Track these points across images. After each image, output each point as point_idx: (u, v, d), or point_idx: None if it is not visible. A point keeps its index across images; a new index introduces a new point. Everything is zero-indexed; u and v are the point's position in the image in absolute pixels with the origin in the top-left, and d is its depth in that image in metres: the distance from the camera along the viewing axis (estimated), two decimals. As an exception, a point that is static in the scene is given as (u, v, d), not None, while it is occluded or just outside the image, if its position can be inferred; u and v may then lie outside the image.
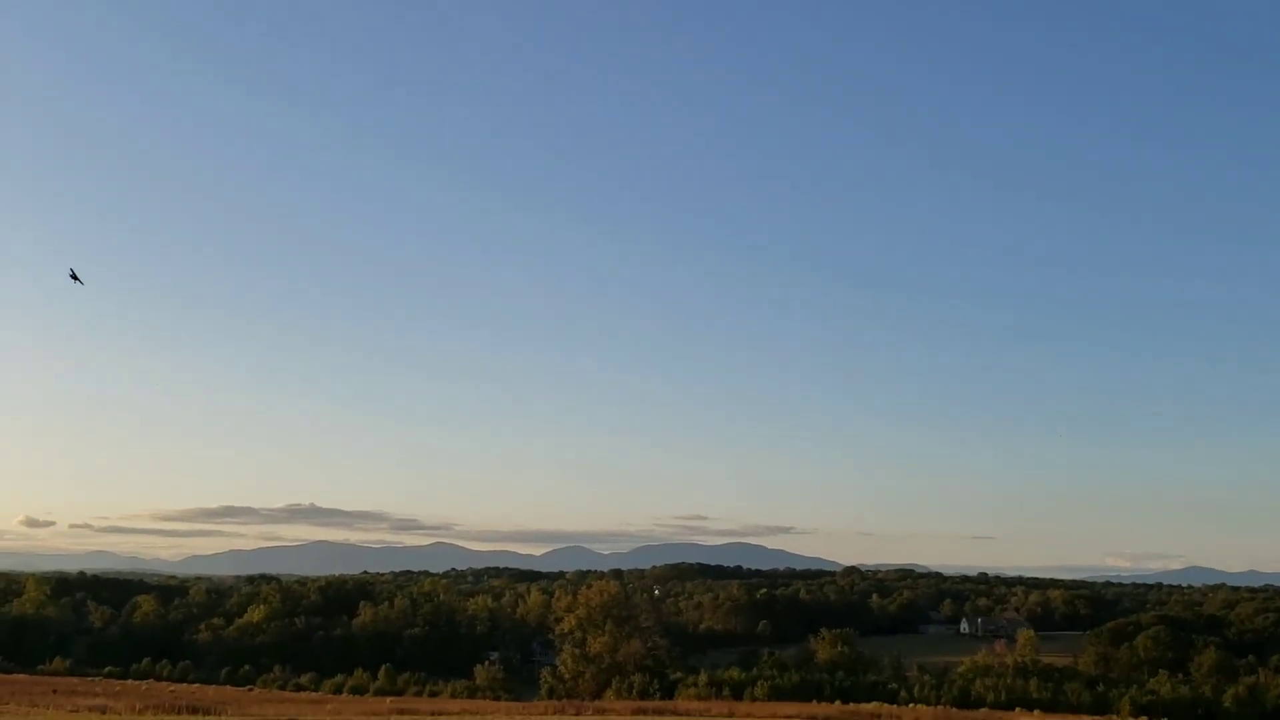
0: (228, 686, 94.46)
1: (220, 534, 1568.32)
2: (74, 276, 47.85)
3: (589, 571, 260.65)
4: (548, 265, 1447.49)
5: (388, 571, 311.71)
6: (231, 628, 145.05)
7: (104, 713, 33.77)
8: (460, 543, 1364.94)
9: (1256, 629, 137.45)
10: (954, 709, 64.44)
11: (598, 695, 77.25)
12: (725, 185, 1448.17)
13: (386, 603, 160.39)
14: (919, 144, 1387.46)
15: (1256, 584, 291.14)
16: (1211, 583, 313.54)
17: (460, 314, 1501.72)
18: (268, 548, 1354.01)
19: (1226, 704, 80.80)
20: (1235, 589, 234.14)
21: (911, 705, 66.12)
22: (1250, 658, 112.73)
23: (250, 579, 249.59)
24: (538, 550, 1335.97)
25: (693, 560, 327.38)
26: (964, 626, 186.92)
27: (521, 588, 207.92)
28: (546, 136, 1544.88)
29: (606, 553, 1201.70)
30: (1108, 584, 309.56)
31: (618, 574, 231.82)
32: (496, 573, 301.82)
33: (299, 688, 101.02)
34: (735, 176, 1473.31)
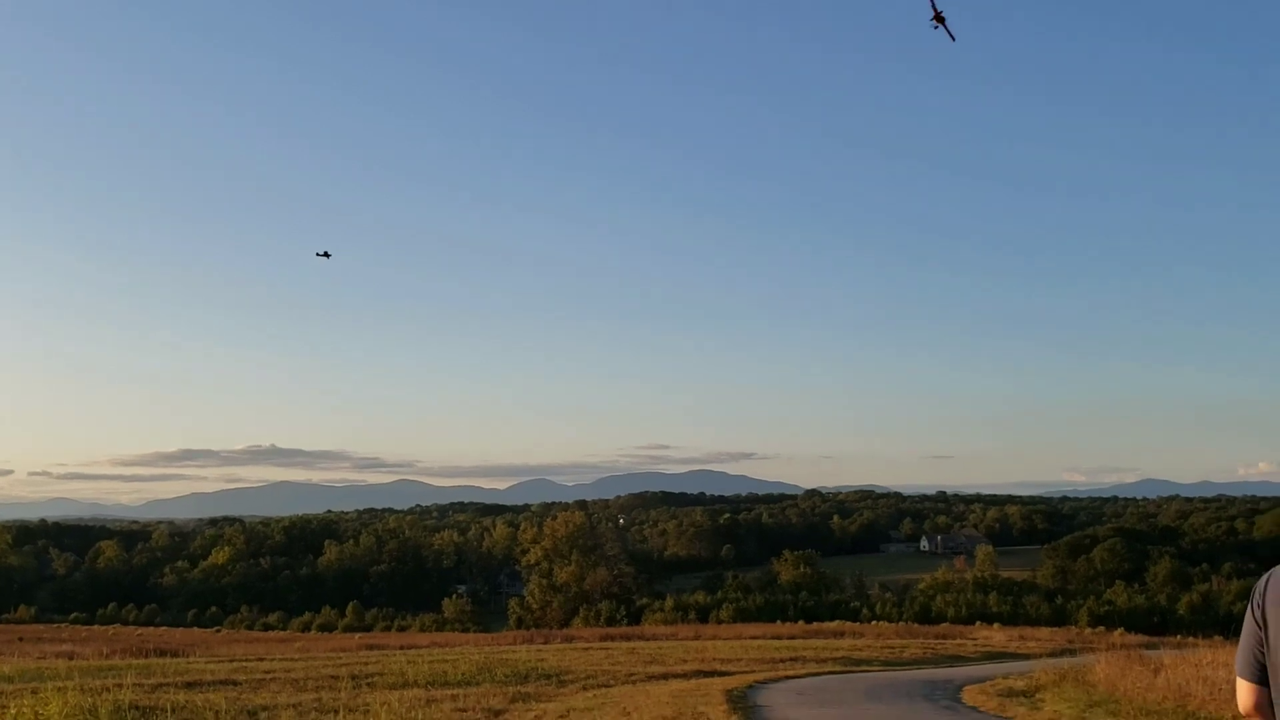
0: (195, 628, 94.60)
1: (181, 477, 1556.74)
2: (324, 254, 48.27)
3: (554, 503, 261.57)
4: (500, 201, 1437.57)
5: (352, 510, 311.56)
6: (196, 570, 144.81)
7: (71, 659, 33.83)
8: (424, 479, 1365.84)
9: (1209, 538, 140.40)
10: (915, 624, 65.76)
11: (565, 624, 78.18)
12: (672, 107, 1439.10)
13: (351, 540, 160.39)
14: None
15: (1209, 494, 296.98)
16: (1166, 495, 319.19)
17: (415, 254, 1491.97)
18: (229, 490, 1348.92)
19: (1181, 611, 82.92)
20: (1189, 500, 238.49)
21: (874, 622, 67.37)
22: (1203, 566, 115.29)
23: (213, 521, 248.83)
24: (502, 484, 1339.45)
25: (656, 489, 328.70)
26: (924, 544, 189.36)
27: (487, 521, 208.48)
28: (466, 62, 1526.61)
29: (571, 484, 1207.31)
30: (1064, 499, 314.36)
31: (582, 504, 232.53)
32: (461, 508, 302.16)
33: (267, 627, 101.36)
34: (672, 93, 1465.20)
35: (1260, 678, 3.27)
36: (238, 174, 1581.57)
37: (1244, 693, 3.35)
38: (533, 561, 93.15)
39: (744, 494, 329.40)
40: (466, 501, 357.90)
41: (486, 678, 23.11)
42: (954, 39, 23.27)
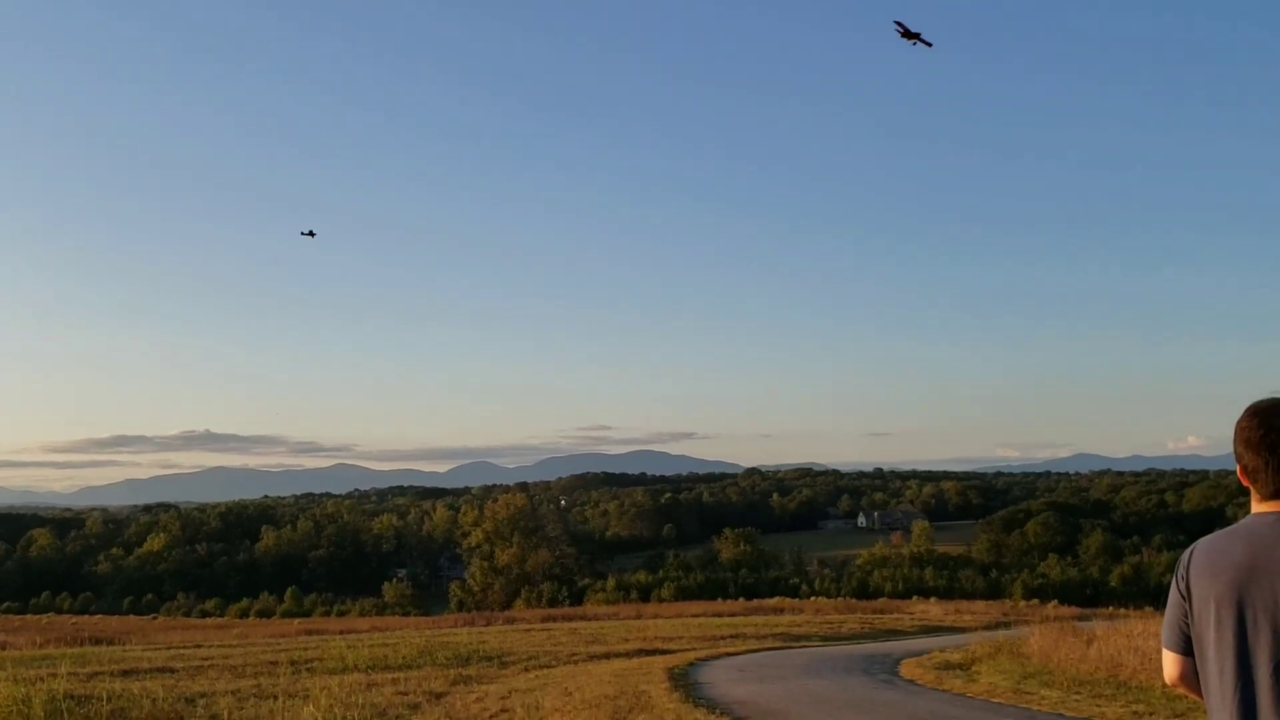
0: (131, 616, 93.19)
1: (114, 464, 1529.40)
2: (309, 233, 47.26)
3: (495, 485, 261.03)
4: (436, 184, 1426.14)
5: (289, 495, 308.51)
6: (131, 557, 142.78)
7: (3, 649, 33.23)
8: (362, 463, 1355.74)
9: (1140, 511, 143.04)
10: (854, 600, 66.49)
11: (507, 605, 78.14)
12: (596, 79, 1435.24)
13: (289, 526, 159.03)
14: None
15: (1140, 468, 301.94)
16: (1098, 469, 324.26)
17: (350, 237, 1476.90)
18: (164, 475, 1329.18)
19: (1113, 583, 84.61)
20: (1120, 474, 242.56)
21: (813, 598, 68.04)
22: (1134, 538, 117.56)
23: (147, 508, 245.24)
24: (442, 467, 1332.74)
25: (598, 469, 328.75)
26: (861, 520, 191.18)
27: (427, 505, 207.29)
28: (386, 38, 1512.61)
29: (512, 466, 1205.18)
30: (999, 474, 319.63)
31: (524, 486, 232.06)
32: (401, 491, 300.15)
33: (204, 614, 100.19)
34: (598, 68, 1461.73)
35: (1185, 649, 3.36)
36: (166, 156, 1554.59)
37: (1170, 664, 3.44)
38: (474, 544, 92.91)
39: (685, 473, 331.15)
40: (406, 485, 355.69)
41: (428, 661, 23.06)
42: (930, 45, 23.26)
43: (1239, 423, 3.28)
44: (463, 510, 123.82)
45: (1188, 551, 3.42)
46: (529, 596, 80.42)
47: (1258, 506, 3.29)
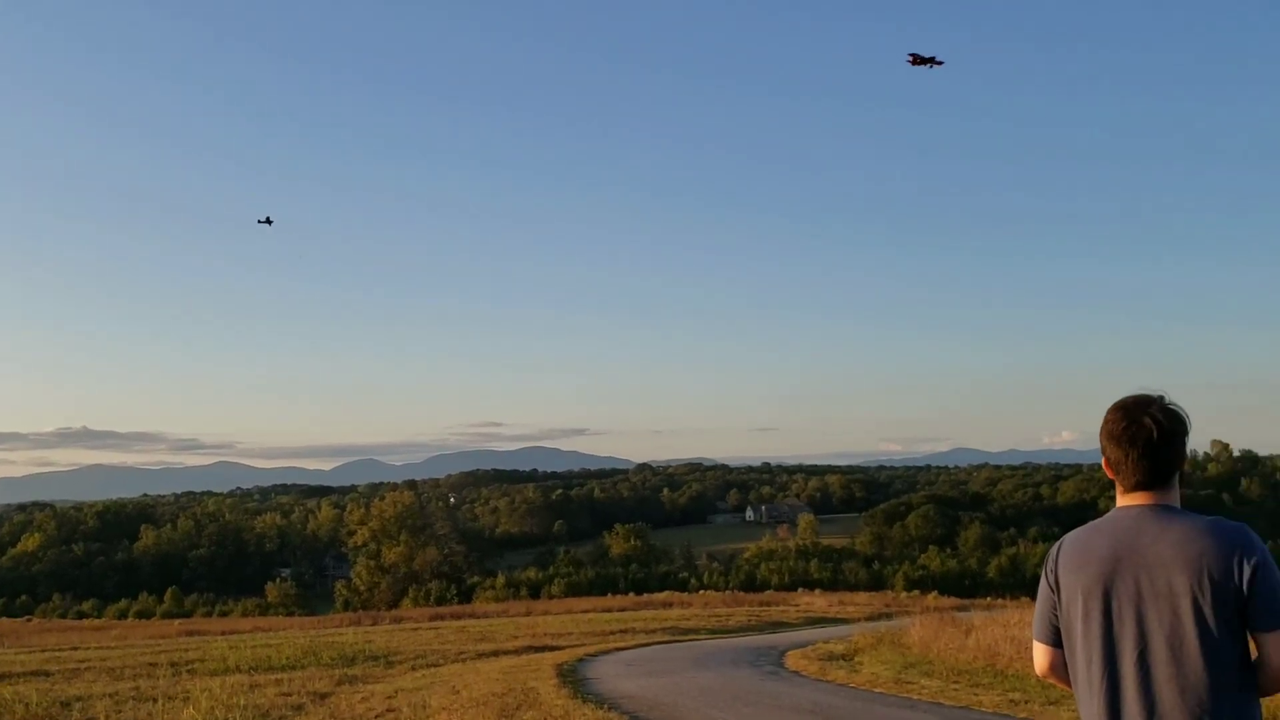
0: (4, 618, 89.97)
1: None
2: (266, 220, 45.18)
3: (382, 483, 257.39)
4: (316, 179, 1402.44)
5: (169, 493, 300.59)
6: (4, 558, 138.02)
7: None
8: (245, 460, 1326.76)
9: (1016, 504, 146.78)
10: (741, 593, 67.09)
11: (394, 605, 77.21)
12: (501, 86, 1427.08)
13: (169, 525, 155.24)
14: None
15: (1017, 462, 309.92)
16: (976, 463, 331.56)
17: (228, 230, 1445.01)
18: (39, 474, 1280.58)
19: (990, 574, 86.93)
20: (998, 468, 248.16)
21: (702, 592, 68.54)
22: (1011, 530, 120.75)
23: (21, 507, 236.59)
24: (327, 465, 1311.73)
25: (489, 466, 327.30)
26: (749, 514, 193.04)
27: (311, 503, 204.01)
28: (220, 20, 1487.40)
29: (399, 464, 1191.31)
30: (881, 468, 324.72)
31: (412, 484, 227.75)
32: (284, 489, 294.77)
33: (81, 615, 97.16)
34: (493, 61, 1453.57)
35: (1055, 640, 3.42)
36: (32, 149, 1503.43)
37: (1040, 655, 3.51)
38: (360, 543, 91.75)
39: (577, 470, 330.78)
40: (290, 483, 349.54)
41: (312, 661, 22.73)
42: (942, 64, 23.27)
43: (1105, 417, 3.37)
44: (348, 509, 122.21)
45: (1056, 545, 3.49)
46: (416, 595, 79.61)
47: (1122, 499, 3.37)
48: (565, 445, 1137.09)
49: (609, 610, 45.45)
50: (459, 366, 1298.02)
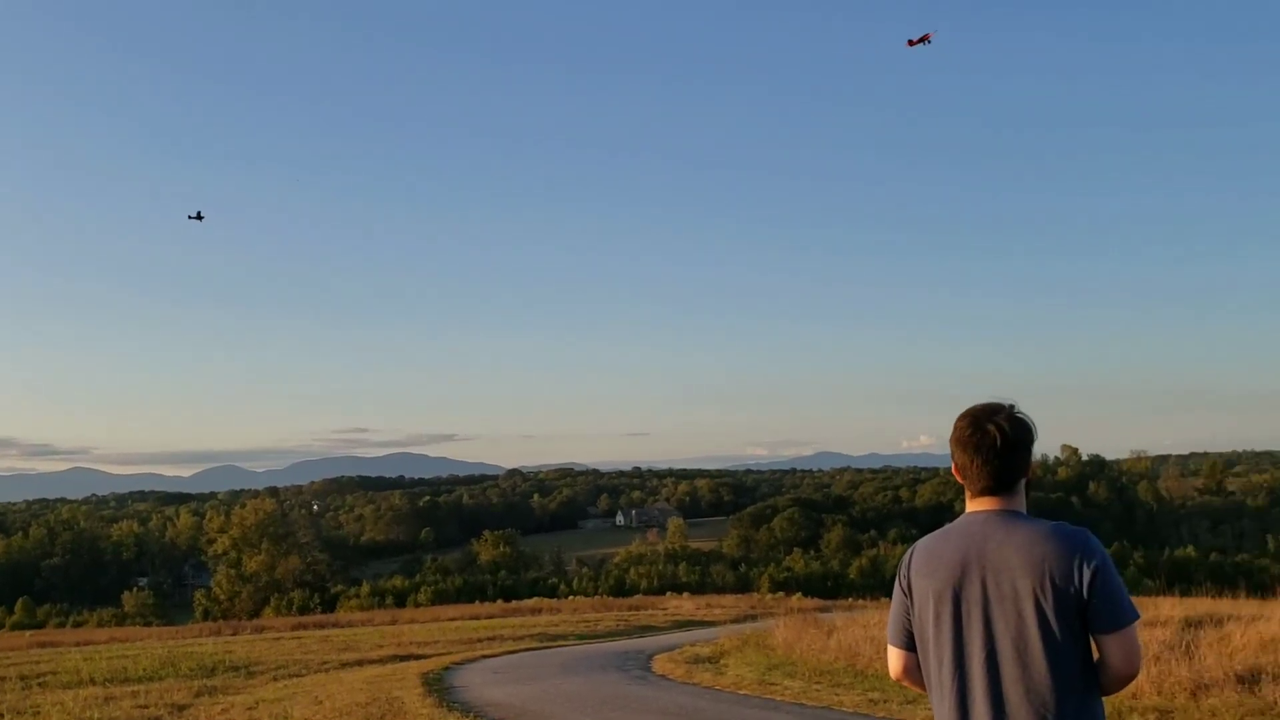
0: None
1: None
2: (197, 216, 42.35)
3: (243, 491, 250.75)
4: (188, 185, 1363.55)
5: (20, 500, 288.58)
6: None
7: None
8: (100, 467, 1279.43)
9: (877, 506, 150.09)
10: (611, 598, 67.26)
11: (256, 614, 75.41)
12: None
13: (20, 533, 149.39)
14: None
15: (877, 465, 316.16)
16: (839, 466, 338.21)
17: (82, 235, 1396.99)
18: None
19: (852, 575, 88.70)
20: (859, 471, 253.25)
21: (571, 597, 68.42)
22: (872, 533, 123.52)
23: None
24: (186, 471, 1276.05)
25: (353, 473, 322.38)
26: (619, 519, 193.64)
27: (170, 511, 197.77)
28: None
29: (262, 470, 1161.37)
30: (748, 471, 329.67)
31: (274, 491, 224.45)
32: (142, 496, 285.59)
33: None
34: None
35: (909, 644, 3.46)
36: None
37: (894, 658, 3.55)
38: (220, 551, 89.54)
39: (445, 476, 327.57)
40: (148, 490, 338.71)
41: (170, 672, 22.07)
42: (932, 37, 23.47)
43: (954, 425, 3.44)
44: (208, 516, 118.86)
45: (909, 551, 3.55)
46: (279, 604, 77.95)
47: (970, 504, 3.43)
48: (433, 451, 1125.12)
49: (477, 618, 45.04)
50: (324, 371, 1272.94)
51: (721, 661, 20.46)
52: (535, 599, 65.84)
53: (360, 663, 24.12)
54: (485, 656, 25.07)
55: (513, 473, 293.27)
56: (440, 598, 76.90)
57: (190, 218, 44.62)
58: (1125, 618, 3.19)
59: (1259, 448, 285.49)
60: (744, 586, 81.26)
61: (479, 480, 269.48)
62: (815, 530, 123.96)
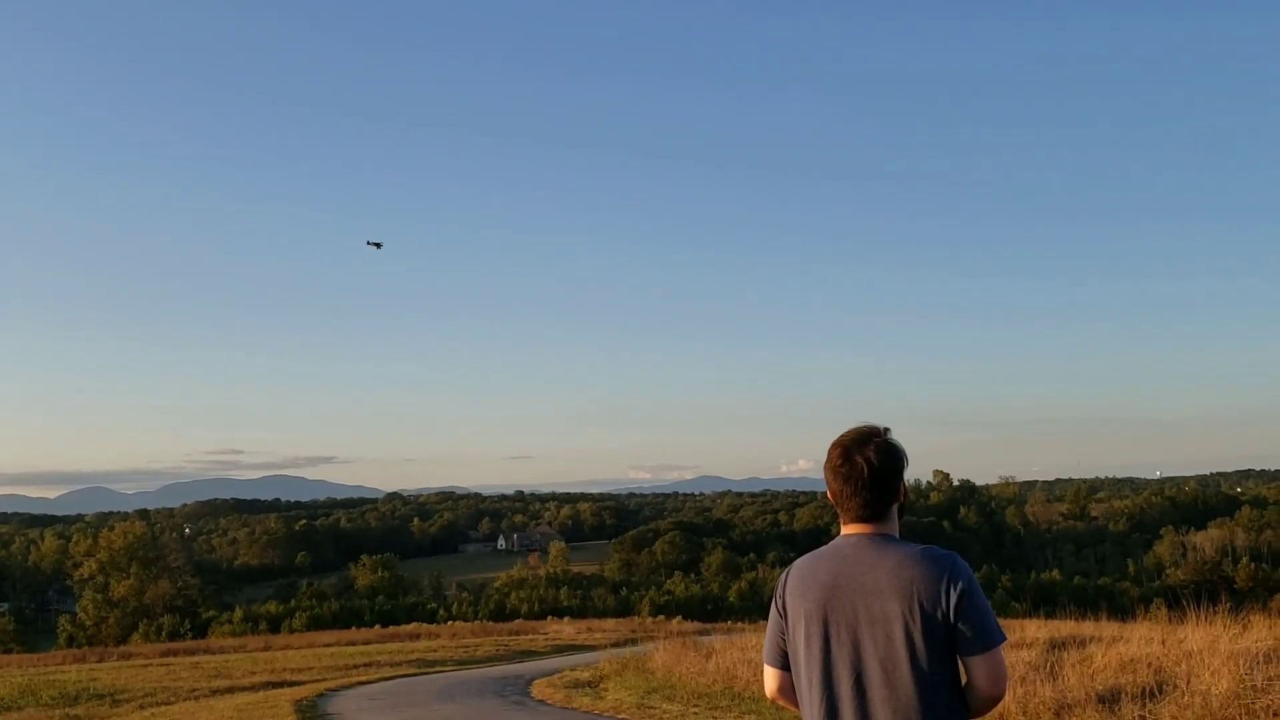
0: None
1: None
2: (375, 244, 39.51)
3: (112, 513, 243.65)
4: (44, 185, 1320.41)
5: None
6: None
7: None
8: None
9: (756, 529, 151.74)
10: (490, 622, 66.63)
11: (123, 640, 73.08)
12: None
13: None
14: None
15: (757, 489, 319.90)
16: (720, 490, 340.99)
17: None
18: None
19: (731, 598, 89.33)
20: (740, 494, 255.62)
21: (450, 623, 67.68)
22: (751, 555, 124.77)
23: None
24: (51, 493, 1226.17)
25: (228, 495, 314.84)
26: (501, 543, 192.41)
27: (34, 533, 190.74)
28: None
29: (131, 492, 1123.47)
30: (631, 495, 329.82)
31: (144, 514, 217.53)
32: (4, 518, 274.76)
33: None
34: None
35: (783, 664, 3.49)
36: None
37: (769, 678, 3.58)
38: (87, 575, 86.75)
39: (323, 499, 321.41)
40: (10, 512, 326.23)
41: (30, 701, 21.29)
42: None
43: (828, 453, 3.52)
44: (74, 539, 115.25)
45: (785, 572, 3.60)
46: (148, 630, 75.66)
47: (844, 528, 3.51)
48: (311, 474, 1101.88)
49: (353, 643, 44.31)
50: (197, 391, 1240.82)
51: (601, 686, 20.46)
52: (414, 624, 65.02)
53: (232, 690, 23.58)
54: (361, 683, 24.72)
55: (392, 496, 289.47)
56: (316, 623, 75.33)
57: (369, 244, 42.78)
58: (992, 640, 3.27)
59: (1120, 474, 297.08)
60: (625, 610, 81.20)
61: (358, 504, 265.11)
62: (696, 554, 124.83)
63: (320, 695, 21.22)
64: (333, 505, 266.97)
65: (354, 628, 66.27)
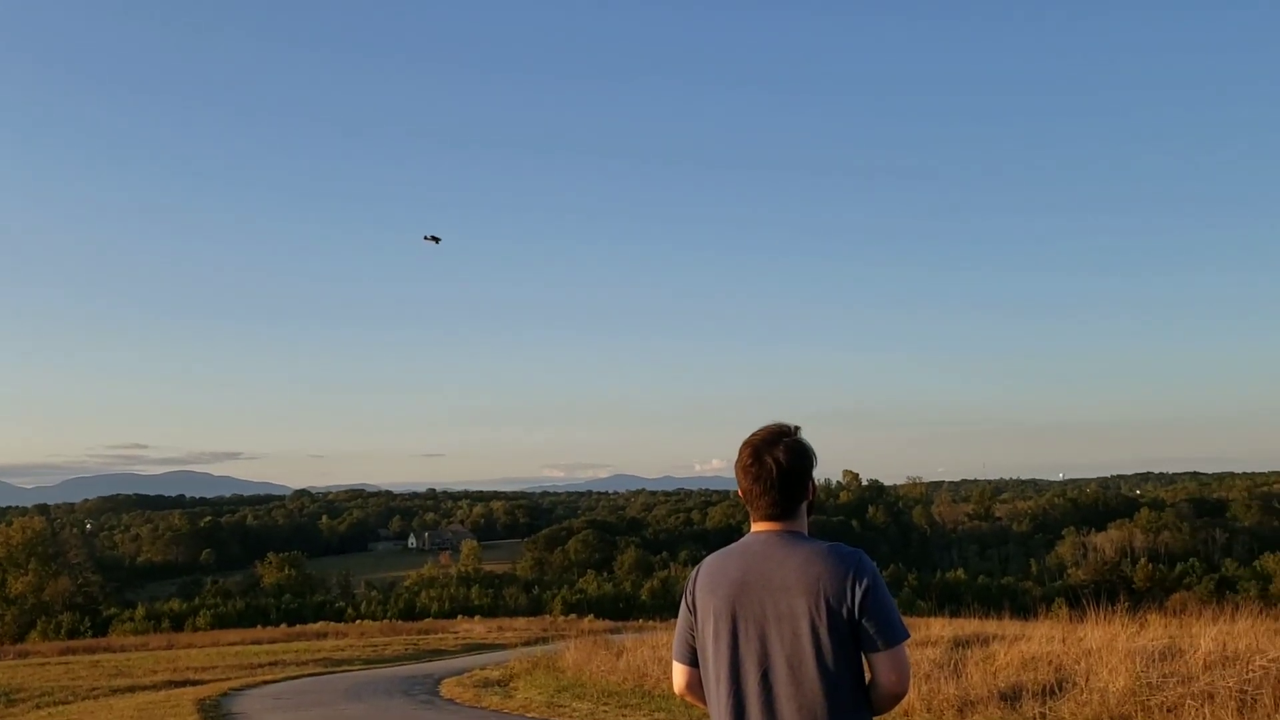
0: None
1: None
2: (433, 239, 37.36)
3: (9, 508, 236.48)
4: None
5: None
6: None
7: None
8: None
9: (669, 528, 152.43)
10: (400, 621, 66.13)
11: (20, 638, 71.19)
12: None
13: None
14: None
15: (671, 488, 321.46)
16: (634, 488, 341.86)
17: None
18: None
19: (643, 597, 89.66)
20: (654, 493, 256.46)
21: (358, 621, 67.08)
22: (664, 554, 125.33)
23: None
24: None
25: (130, 491, 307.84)
26: (412, 541, 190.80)
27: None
28: None
29: (30, 487, 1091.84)
30: (545, 493, 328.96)
31: (44, 509, 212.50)
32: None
33: None
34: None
35: (692, 660, 3.49)
36: None
37: (678, 675, 3.58)
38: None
39: (229, 495, 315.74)
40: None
41: (-81, 703, 20.65)
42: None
43: (738, 451, 3.55)
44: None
45: (696, 569, 3.61)
46: (46, 628, 73.78)
47: (754, 526, 3.52)
48: (217, 470, 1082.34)
49: (259, 642, 43.71)
50: (99, 384, 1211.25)
51: (511, 685, 20.41)
52: (321, 623, 64.35)
53: (132, 689, 23.10)
54: (267, 682, 24.39)
55: (301, 493, 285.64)
56: (221, 621, 74.14)
57: (426, 239, 41.38)
58: (895, 636, 3.30)
59: (1024, 476, 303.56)
60: (537, 609, 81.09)
61: (265, 501, 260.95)
62: (609, 552, 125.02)
63: (224, 695, 20.89)
64: (239, 502, 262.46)
65: (259, 626, 65.38)
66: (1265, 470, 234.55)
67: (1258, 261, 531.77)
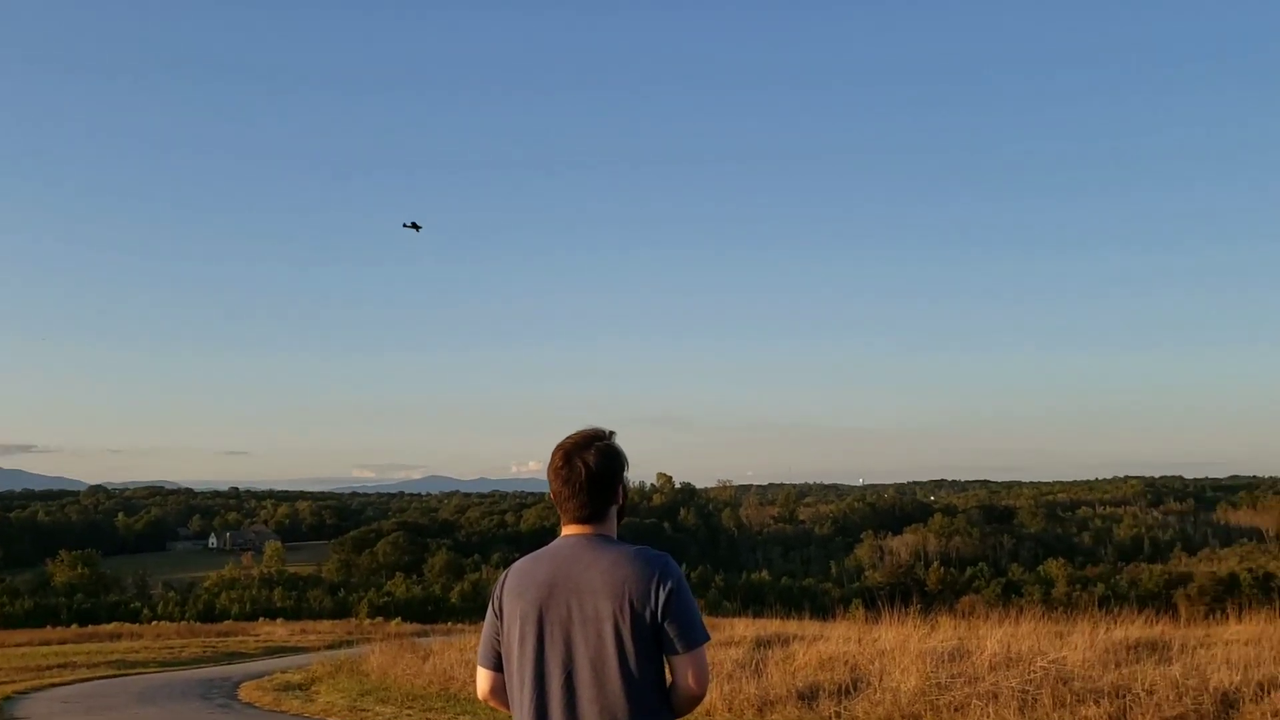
0: None
1: None
2: (413, 226, 32.80)
3: None
4: None
5: None
6: None
7: None
8: None
9: (482, 531, 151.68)
10: (198, 623, 64.05)
11: None
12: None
13: None
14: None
15: (486, 490, 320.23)
16: (449, 490, 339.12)
17: None
18: None
19: (453, 600, 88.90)
20: (468, 495, 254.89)
21: (155, 623, 64.59)
22: (476, 556, 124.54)
23: None
24: None
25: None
26: (213, 541, 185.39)
27: None
28: None
29: None
30: (354, 494, 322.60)
31: None
32: None
33: None
34: None
35: (496, 664, 3.50)
36: None
37: (482, 679, 3.59)
38: None
39: (19, 490, 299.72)
40: None
41: None
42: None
43: (551, 455, 3.57)
44: None
45: (504, 573, 3.64)
46: None
47: (564, 529, 3.57)
48: (6, 463, 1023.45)
49: (48, 643, 41.65)
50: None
51: (312, 688, 20.03)
52: (115, 624, 61.74)
53: (-97, 695, 21.74)
54: (55, 685, 23.38)
55: (96, 489, 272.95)
56: (7, 621, 70.53)
57: (405, 226, 38.63)
58: (695, 639, 3.38)
59: (827, 480, 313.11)
60: (343, 612, 79.50)
61: (57, 496, 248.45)
62: (420, 554, 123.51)
63: (8, 698, 19.92)
64: (30, 497, 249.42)
65: (49, 626, 62.47)
66: (1050, 480, 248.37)
67: (1037, 282, 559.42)
